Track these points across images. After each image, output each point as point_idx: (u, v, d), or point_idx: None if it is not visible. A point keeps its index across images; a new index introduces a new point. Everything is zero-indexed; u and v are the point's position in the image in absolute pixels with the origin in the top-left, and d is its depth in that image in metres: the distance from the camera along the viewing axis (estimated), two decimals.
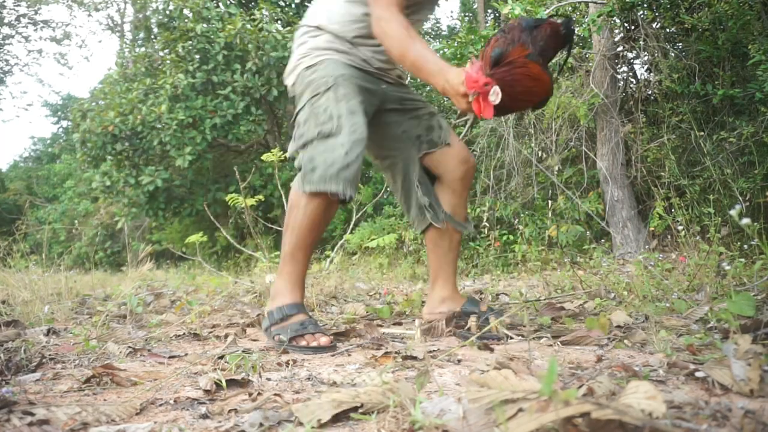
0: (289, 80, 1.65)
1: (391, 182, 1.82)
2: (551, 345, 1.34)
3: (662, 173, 4.15)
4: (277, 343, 1.40)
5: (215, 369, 1.15)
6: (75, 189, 13.93)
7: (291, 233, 1.52)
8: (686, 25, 4.32)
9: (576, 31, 1.42)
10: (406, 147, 1.71)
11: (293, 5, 9.92)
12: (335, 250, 3.93)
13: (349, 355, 1.32)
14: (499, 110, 1.21)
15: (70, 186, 14.49)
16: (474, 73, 1.12)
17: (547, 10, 4.33)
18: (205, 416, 0.83)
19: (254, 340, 1.59)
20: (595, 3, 4.40)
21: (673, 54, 4.37)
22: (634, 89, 5.05)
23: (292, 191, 1.55)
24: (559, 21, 1.35)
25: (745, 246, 2.17)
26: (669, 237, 3.45)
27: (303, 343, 1.36)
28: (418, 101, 1.75)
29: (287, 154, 1.60)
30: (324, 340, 1.36)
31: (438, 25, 16.54)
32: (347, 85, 1.51)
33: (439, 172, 1.71)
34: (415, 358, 1.21)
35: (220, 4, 9.28)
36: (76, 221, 12.93)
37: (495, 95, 1.07)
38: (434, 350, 1.30)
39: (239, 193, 2.98)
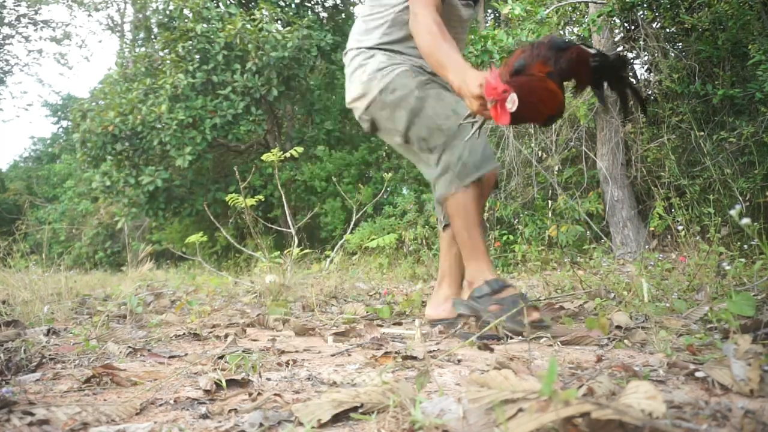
0: (360, 104, 1.72)
1: None
2: (551, 345, 1.34)
3: (662, 173, 4.15)
4: (512, 323, 1.41)
5: (215, 369, 1.15)
6: (75, 189, 13.93)
7: (467, 232, 1.57)
8: (686, 25, 4.32)
9: (628, 64, 1.45)
10: None
11: (293, 5, 9.92)
12: (335, 250, 3.93)
13: (349, 355, 1.32)
14: (514, 118, 1.23)
15: (70, 186, 14.48)
16: (493, 80, 1.14)
17: (547, 10, 4.33)
18: (205, 416, 0.83)
19: (254, 340, 1.59)
20: (595, 3, 4.39)
21: (673, 54, 4.37)
22: None
23: (448, 201, 1.59)
24: (591, 51, 1.36)
25: (745, 246, 2.17)
26: (669, 237, 3.45)
27: (521, 318, 1.39)
28: None
29: (432, 177, 1.64)
30: (536, 315, 1.43)
31: None
32: (430, 83, 1.64)
33: None
34: (415, 358, 1.21)
35: (220, 4, 9.27)
36: (75, 221, 12.94)
37: (512, 103, 1.10)
38: (434, 350, 1.30)
39: (239, 193, 2.98)
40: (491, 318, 1.41)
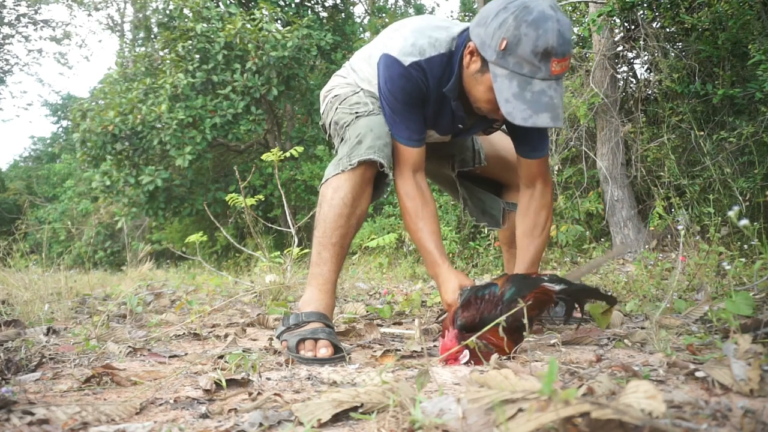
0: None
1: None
2: (551, 345, 1.34)
3: (662, 173, 4.15)
4: (285, 350, 1.30)
5: (215, 369, 1.15)
6: (75, 189, 13.93)
7: (317, 229, 1.42)
8: (686, 25, 4.31)
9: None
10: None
11: (293, 5, 9.92)
12: None
13: (349, 355, 1.32)
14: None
15: (70, 186, 14.49)
16: (449, 341, 1.17)
17: None
18: (205, 416, 0.83)
19: (254, 340, 1.59)
20: (595, 3, 4.39)
21: (673, 54, 4.37)
22: (634, 89, 5.05)
23: (322, 186, 1.45)
24: (555, 288, 1.21)
25: (745, 246, 2.17)
26: (669, 237, 3.45)
27: (302, 350, 1.26)
28: None
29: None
30: (323, 351, 1.25)
31: None
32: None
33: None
34: (414, 357, 1.20)
35: (220, 3, 9.27)
36: (75, 221, 12.93)
37: (464, 357, 1.16)
38: (434, 349, 1.30)
39: (239, 192, 2.98)
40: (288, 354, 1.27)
